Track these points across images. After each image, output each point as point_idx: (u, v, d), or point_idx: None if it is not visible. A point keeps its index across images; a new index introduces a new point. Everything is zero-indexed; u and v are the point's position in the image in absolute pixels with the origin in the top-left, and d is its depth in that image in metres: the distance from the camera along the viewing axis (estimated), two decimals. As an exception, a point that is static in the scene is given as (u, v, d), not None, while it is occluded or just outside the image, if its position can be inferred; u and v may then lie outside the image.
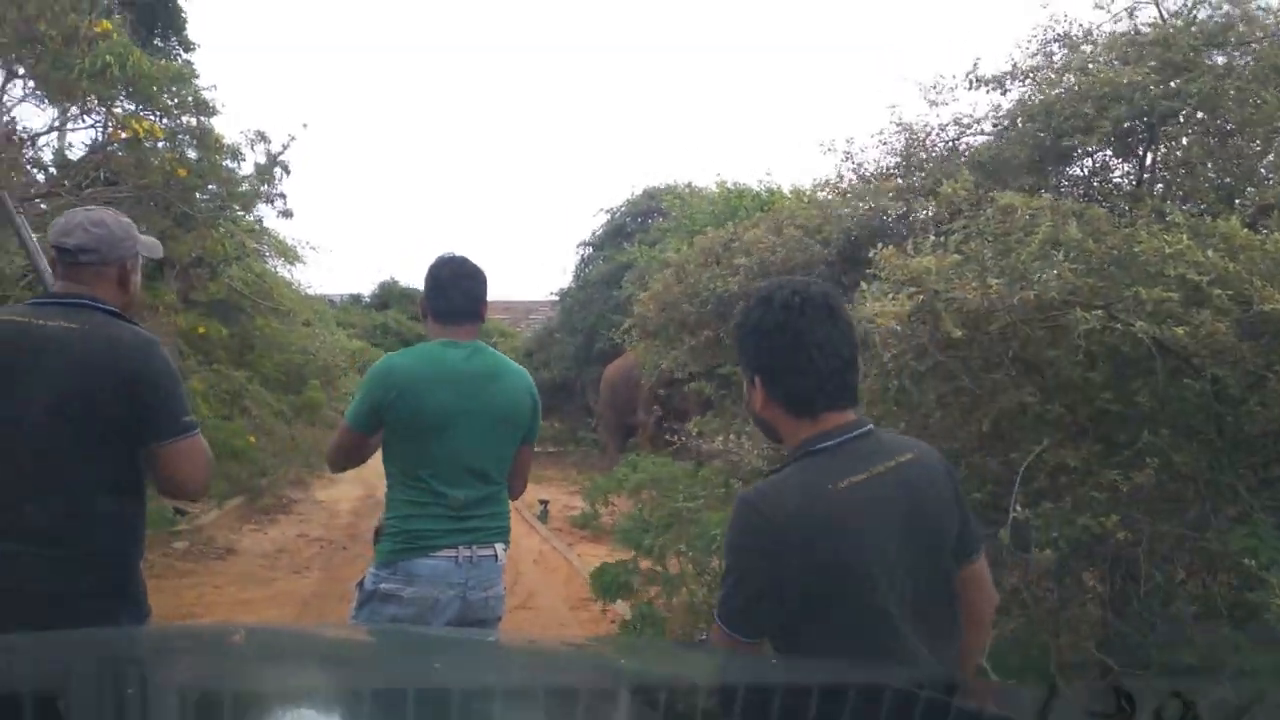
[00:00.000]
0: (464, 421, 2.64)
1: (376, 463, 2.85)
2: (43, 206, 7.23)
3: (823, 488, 1.60)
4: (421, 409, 2.62)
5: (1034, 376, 2.98)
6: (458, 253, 2.85)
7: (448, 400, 2.63)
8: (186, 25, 10.70)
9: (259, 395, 9.74)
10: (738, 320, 1.78)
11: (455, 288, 2.77)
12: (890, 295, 2.91)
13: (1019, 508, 2.74)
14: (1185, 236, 2.71)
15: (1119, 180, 5.16)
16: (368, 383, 2.75)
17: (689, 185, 16.68)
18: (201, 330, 7.71)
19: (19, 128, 7.25)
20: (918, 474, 1.68)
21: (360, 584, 2.77)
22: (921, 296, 2.73)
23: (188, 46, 10.38)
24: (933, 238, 3.23)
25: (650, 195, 18.47)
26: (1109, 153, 5.07)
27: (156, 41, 9.44)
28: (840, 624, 1.61)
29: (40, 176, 7.78)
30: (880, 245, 4.47)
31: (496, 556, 2.74)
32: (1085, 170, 5.22)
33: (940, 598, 1.70)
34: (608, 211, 19.32)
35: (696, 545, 4.79)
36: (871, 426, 1.72)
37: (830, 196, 6.02)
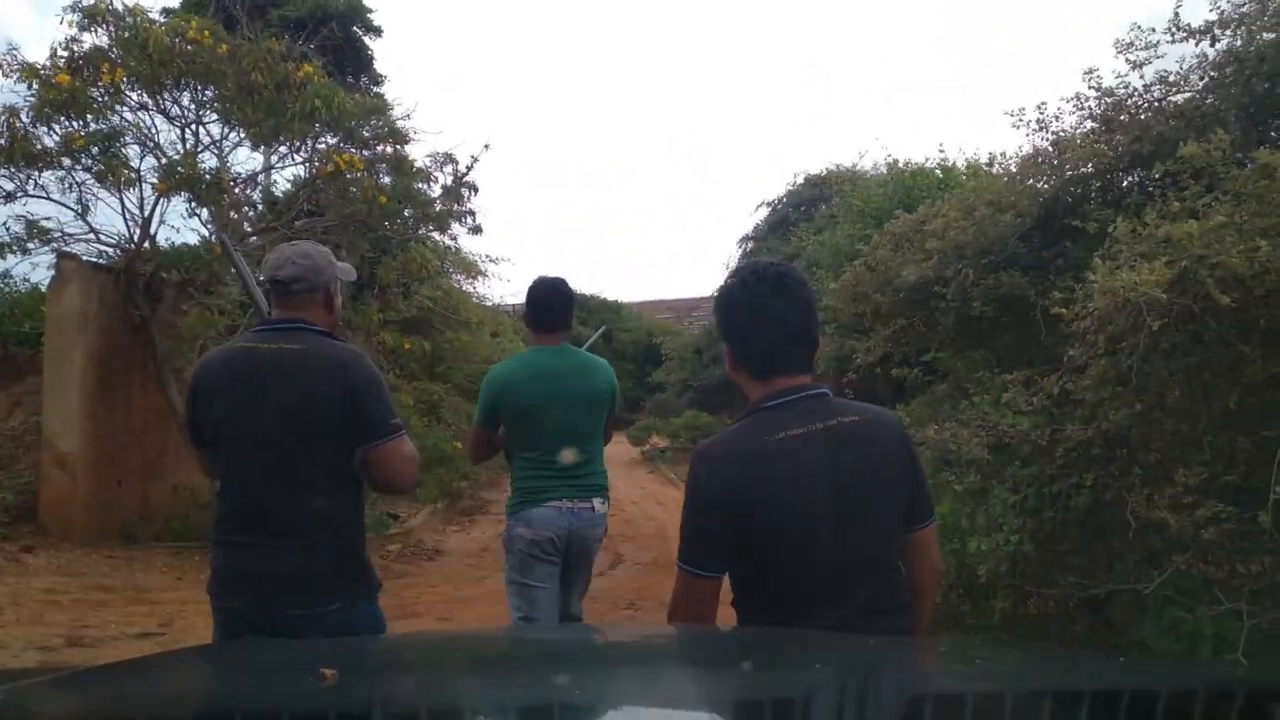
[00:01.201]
0: (555, 406, 3.39)
1: None
2: (253, 240, 7.91)
3: (760, 438, 1.80)
4: (520, 401, 3.41)
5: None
6: (553, 274, 3.58)
7: (540, 391, 3.39)
8: (374, 62, 11.46)
9: (455, 404, 10.26)
10: (716, 294, 1.96)
11: (546, 305, 3.51)
12: (1136, 264, 2.76)
13: (1279, 488, 2.57)
14: None
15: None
16: (483, 390, 3.54)
17: (853, 168, 16.28)
18: (407, 346, 8.21)
19: (235, 171, 7.95)
20: (859, 433, 1.82)
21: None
22: (1184, 263, 2.58)
23: (376, 81, 11.11)
24: (1176, 204, 3.02)
25: (812, 183, 18.20)
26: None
27: (349, 79, 10.15)
28: (783, 564, 1.80)
29: (251, 213, 8.50)
30: (1085, 218, 4.28)
31: (594, 508, 3.49)
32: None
33: (879, 554, 1.84)
34: (768, 204, 19.19)
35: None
36: (825, 391, 1.89)
37: (1017, 168, 5.74)
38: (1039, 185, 5.03)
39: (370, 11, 11.70)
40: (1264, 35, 4.58)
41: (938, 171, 11.31)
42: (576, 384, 3.45)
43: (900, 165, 12.56)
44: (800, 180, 18.65)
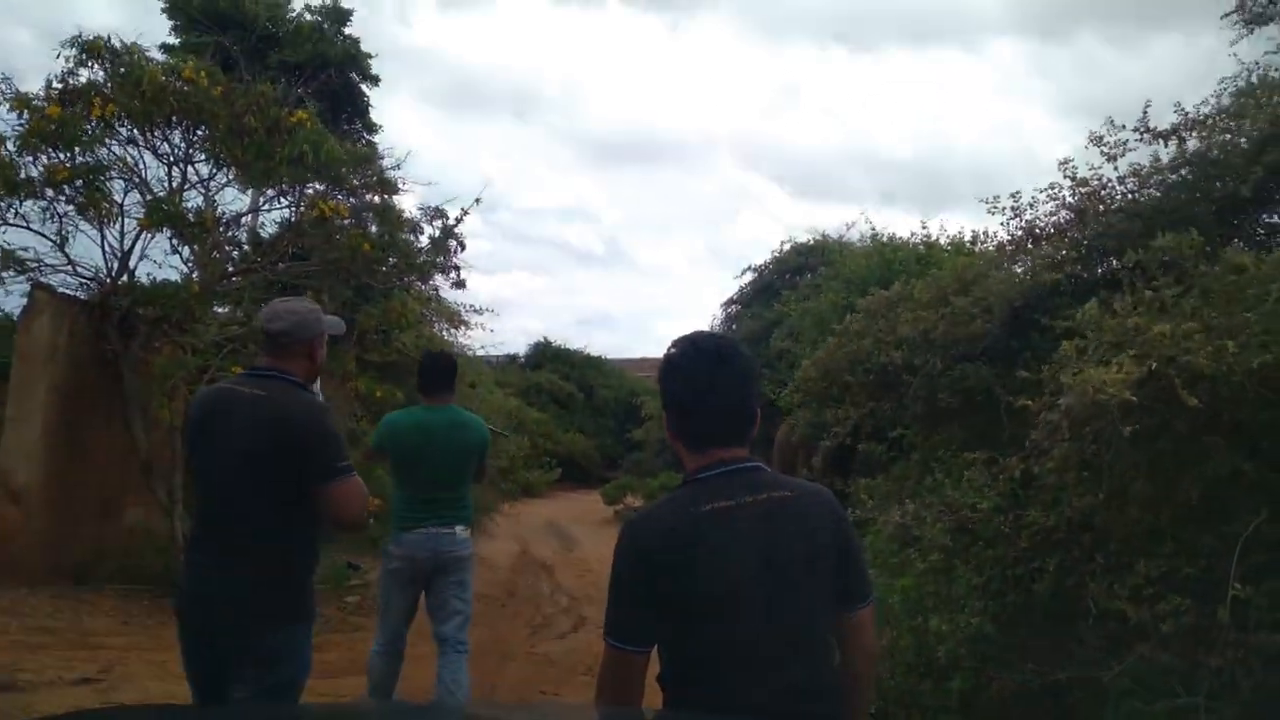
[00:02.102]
0: (429, 454, 4.21)
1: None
2: (237, 281, 7.89)
3: (687, 510, 1.80)
4: (401, 444, 4.27)
5: (1247, 440, 2.79)
6: (440, 349, 4.79)
7: (419, 440, 4.24)
8: (370, 109, 11.57)
9: (490, 474, 10.12)
10: (660, 363, 1.98)
11: (431, 373, 4.38)
12: (1104, 359, 2.77)
13: (1238, 585, 2.55)
14: None
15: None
16: (377, 430, 4.50)
17: (841, 238, 16.47)
18: (379, 394, 8.16)
19: (221, 211, 7.96)
20: (790, 508, 1.81)
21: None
22: (1153, 364, 2.59)
23: (371, 129, 11.21)
24: (1148, 293, 3.05)
25: (799, 251, 18.36)
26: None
27: (345, 125, 10.24)
28: (707, 639, 1.77)
29: (235, 254, 8.48)
30: (1053, 315, 4.30)
31: (455, 533, 4.26)
32: (1280, 217, 4.86)
33: (810, 632, 1.81)
34: (754, 270, 19.32)
35: (868, 614, 4.68)
36: (760, 465, 1.88)
37: (996, 253, 5.81)
38: (1008, 284, 5.05)
39: (370, 57, 11.88)
40: (1221, 137, 4.71)
41: (920, 247, 11.47)
42: (450, 437, 4.27)
43: (884, 240, 12.74)
44: (787, 248, 18.83)
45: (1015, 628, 3.72)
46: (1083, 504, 3.15)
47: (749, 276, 19.37)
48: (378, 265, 7.54)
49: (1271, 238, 4.87)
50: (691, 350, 1.90)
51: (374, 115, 11.97)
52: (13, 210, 6.93)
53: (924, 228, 15.63)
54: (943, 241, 11.31)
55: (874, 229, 12.57)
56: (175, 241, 7.48)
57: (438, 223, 7.64)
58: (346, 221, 7.33)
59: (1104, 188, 5.24)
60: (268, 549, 2.67)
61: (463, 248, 7.82)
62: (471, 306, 12.62)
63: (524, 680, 6.24)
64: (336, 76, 10.57)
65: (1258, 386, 2.59)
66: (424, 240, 7.85)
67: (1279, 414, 2.68)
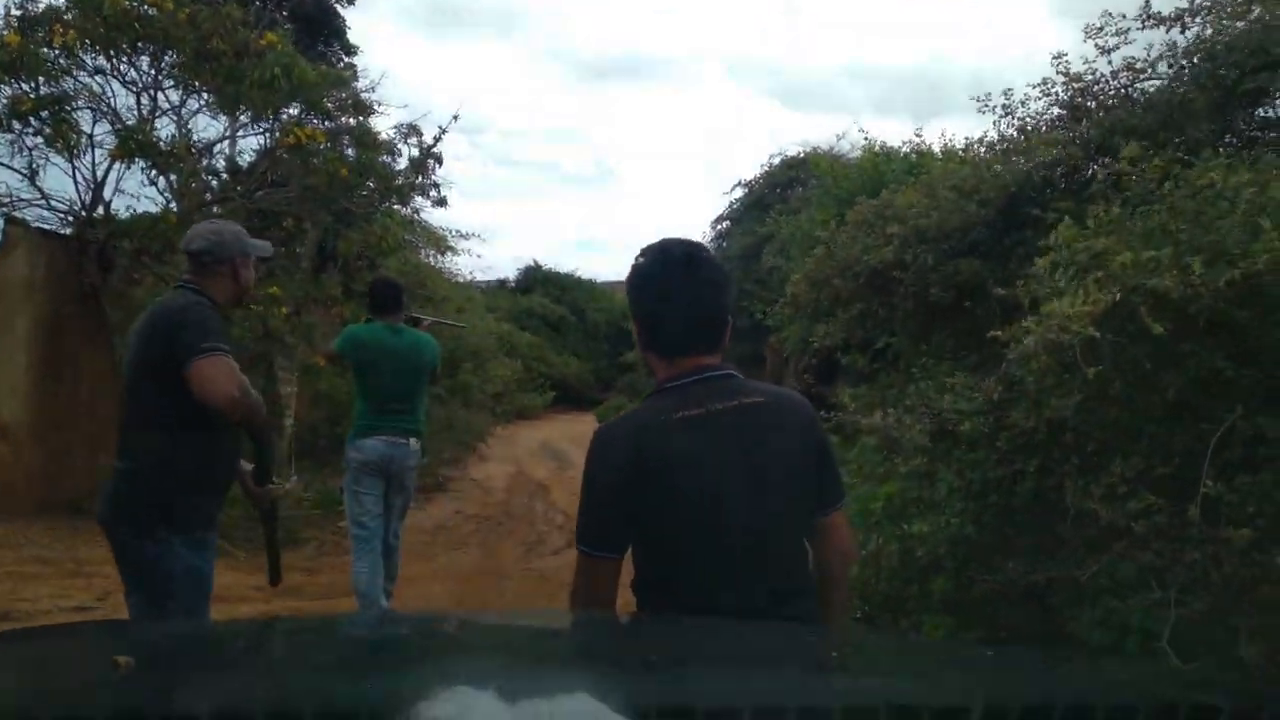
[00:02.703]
0: (388, 367, 4.70)
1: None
2: (216, 210, 7.76)
3: (658, 419, 1.79)
4: (363, 356, 4.76)
5: (1224, 340, 2.77)
6: (386, 277, 5.59)
7: (378, 354, 4.72)
8: (347, 31, 11.23)
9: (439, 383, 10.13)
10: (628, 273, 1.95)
11: (382, 296, 4.91)
12: (1077, 281, 2.72)
13: (1210, 482, 2.56)
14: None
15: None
16: (342, 336, 5.01)
17: (831, 150, 16.23)
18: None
19: (195, 139, 7.78)
20: (762, 414, 1.80)
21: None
22: (1118, 294, 2.55)
23: (349, 50, 10.91)
24: (1116, 209, 2.98)
25: (789, 165, 18.15)
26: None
27: (320, 47, 9.94)
28: (679, 545, 1.78)
29: (214, 183, 8.34)
30: (1046, 207, 4.24)
31: (409, 444, 4.79)
32: (1278, 113, 4.74)
33: (783, 536, 1.81)
34: (744, 185, 19.11)
35: (854, 522, 4.73)
36: (731, 372, 1.87)
37: (986, 154, 5.70)
38: (1004, 174, 4.99)
39: (345, -22, 11.47)
40: (1235, 24, 4.55)
41: (912, 156, 11.29)
42: (406, 354, 4.79)
43: (875, 149, 12.53)
44: (777, 162, 18.59)
45: (997, 529, 3.76)
46: (1062, 405, 3.15)
47: (739, 193, 19.18)
48: (356, 190, 7.41)
49: (1266, 132, 4.76)
50: (660, 257, 1.87)
51: (351, 37, 11.67)
52: (-22, 144, 6.79)
53: (918, 135, 15.37)
54: (936, 150, 11.14)
55: (866, 138, 12.33)
56: (151, 172, 7.33)
57: (413, 140, 7.47)
58: (323, 146, 7.17)
59: (1098, 83, 5.11)
60: (136, 447, 2.74)
61: (440, 164, 7.67)
62: (458, 231, 12.53)
63: (520, 596, 6.36)
64: (310, -1, 10.25)
65: (1225, 305, 2.55)
66: (402, 162, 7.70)
67: (1255, 316, 2.66)
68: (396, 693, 1.04)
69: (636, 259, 1.90)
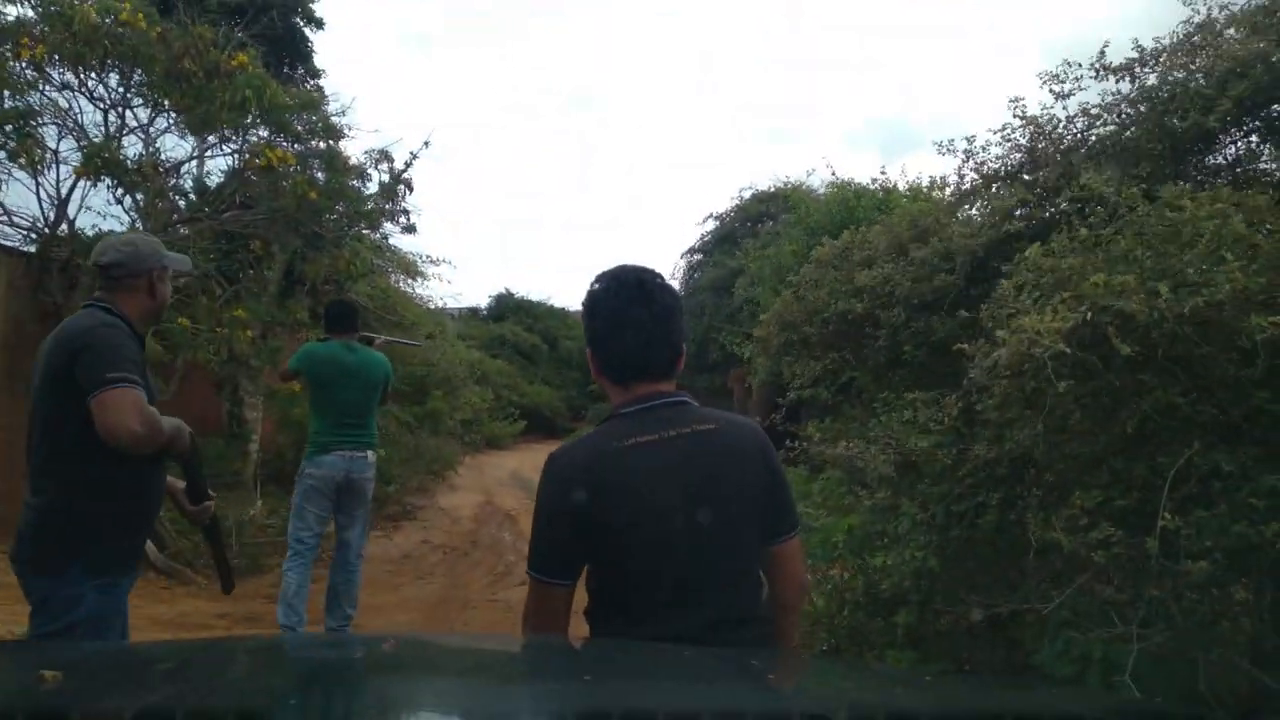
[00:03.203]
0: (343, 384, 4.91)
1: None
2: (183, 231, 7.68)
3: (609, 445, 1.80)
4: (319, 373, 4.96)
5: (1182, 374, 2.80)
6: (342, 296, 5.60)
7: (333, 372, 4.92)
8: (314, 55, 11.23)
9: (385, 407, 10.05)
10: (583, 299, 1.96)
11: (338, 315, 5.14)
12: (1043, 302, 2.75)
13: (1168, 515, 2.58)
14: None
15: (1267, 165, 4.80)
16: (298, 353, 5.17)
17: (801, 185, 16.40)
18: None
19: (163, 158, 7.71)
20: (714, 441, 1.80)
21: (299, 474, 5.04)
22: (1088, 313, 2.57)
23: (314, 74, 10.90)
24: (1084, 230, 3.02)
25: (759, 199, 18.32)
26: (1254, 138, 4.74)
27: (286, 70, 9.93)
28: (628, 572, 1.78)
29: (181, 203, 8.25)
30: (1013, 257, 4.29)
31: (367, 457, 5.04)
32: (1228, 158, 4.88)
33: (733, 564, 1.80)
34: (716, 218, 19.25)
35: (816, 553, 4.72)
36: (685, 399, 1.88)
37: (949, 197, 5.80)
38: (972, 243, 5.02)
39: (312, 1, 11.49)
40: (1174, 74, 4.70)
41: (879, 192, 11.45)
42: (363, 372, 4.99)
43: (844, 184, 12.70)
44: (748, 195, 18.75)
45: (960, 562, 3.77)
46: (1023, 437, 3.17)
47: (711, 224, 19.31)
48: (325, 214, 7.37)
49: (1216, 176, 4.89)
50: (613, 284, 1.89)
51: (317, 61, 11.67)
52: (-59, 158, 6.68)
53: (883, 173, 15.61)
54: (901, 187, 11.30)
55: (834, 174, 12.51)
56: (117, 190, 7.24)
57: (384, 166, 7.46)
58: (292, 169, 7.13)
59: (1055, 128, 5.24)
60: (44, 481, 2.54)
61: (410, 190, 7.65)
62: (428, 257, 12.49)
63: (484, 626, 6.27)
64: (279, 19, 10.23)
65: (1190, 331, 2.59)
66: (372, 186, 7.67)
67: (1213, 351, 2.70)
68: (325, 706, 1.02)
69: (591, 285, 1.92)
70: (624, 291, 1.85)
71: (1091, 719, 1.24)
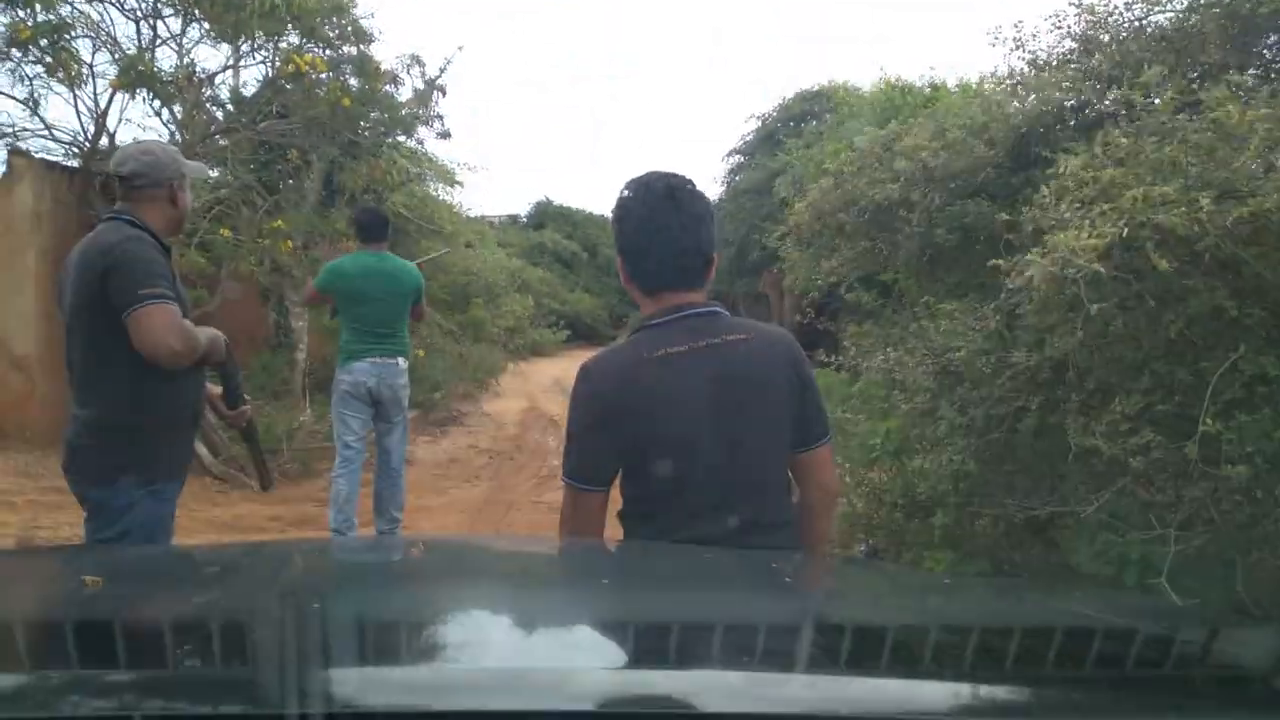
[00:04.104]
0: (371, 294, 4.84)
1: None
2: (222, 142, 7.69)
3: (639, 356, 1.81)
4: (347, 286, 4.91)
5: (1229, 278, 2.72)
6: (373, 204, 5.64)
7: (361, 282, 4.86)
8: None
9: (429, 316, 10.15)
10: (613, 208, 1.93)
11: (368, 224, 5.08)
12: (1081, 214, 2.66)
13: (1209, 420, 2.54)
14: None
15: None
16: (323, 271, 5.16)
17: (845, 84, 15.91)
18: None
19: (198, 69, 7.68)
20: (743, 351, 1.80)
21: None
22: (1125, 229, 2.48)
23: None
24: (1125, 140, 2.90)
25: (804, 98, 17.82)
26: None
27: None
28: (659, 479, 1.79)
29: (219, 114, 8.24)
30: (1057, 145, 4.14)
31: (398, 364, 4.98)
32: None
33: (762, 471, 1.83)
34: (759, 117, 18.78)
35: (855, 457, 4.74)
36: (716, 309, 1.87)
37: (998, 90, 5.58)
38: (1014, 114, 4.85)
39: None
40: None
41: (926, 90, 11.07)
42: (388, 280, 4.90)
43: (891, 82, 12.29)
44: (792, 95, 18.25)
45: (999, 465, 3.76)
46: (1064, 344, 3.12)
47: (753, 124, 18.87)
48: (359, 120, 7.31)
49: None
50: (642, 192, 1.85)
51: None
52: (-20, 74, 6.71)
53: (932, 69, 15.05)
54: (950, 84, 10.91)
55: (883, 72, 12.09)
56: (154, 103, 7.25)
57: (416, 70, 7.35)
58: (324, 76, 7.06)
59: (1111, 14, 4.98)
60: (89, 395, 2.59)
61: (444, 95, 7.55)
62: (466, 165, 12.39)
63: (527, 527, 6.44)
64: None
65: (1234, 244, 2.50)
66: (406, 93, 7.59)
67: (1264, 250, 2.60)
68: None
69: (620, 193, 1.89)
70: (653, 199, 1.82)
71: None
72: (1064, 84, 4.69)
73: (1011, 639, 1.04)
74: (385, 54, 10.71)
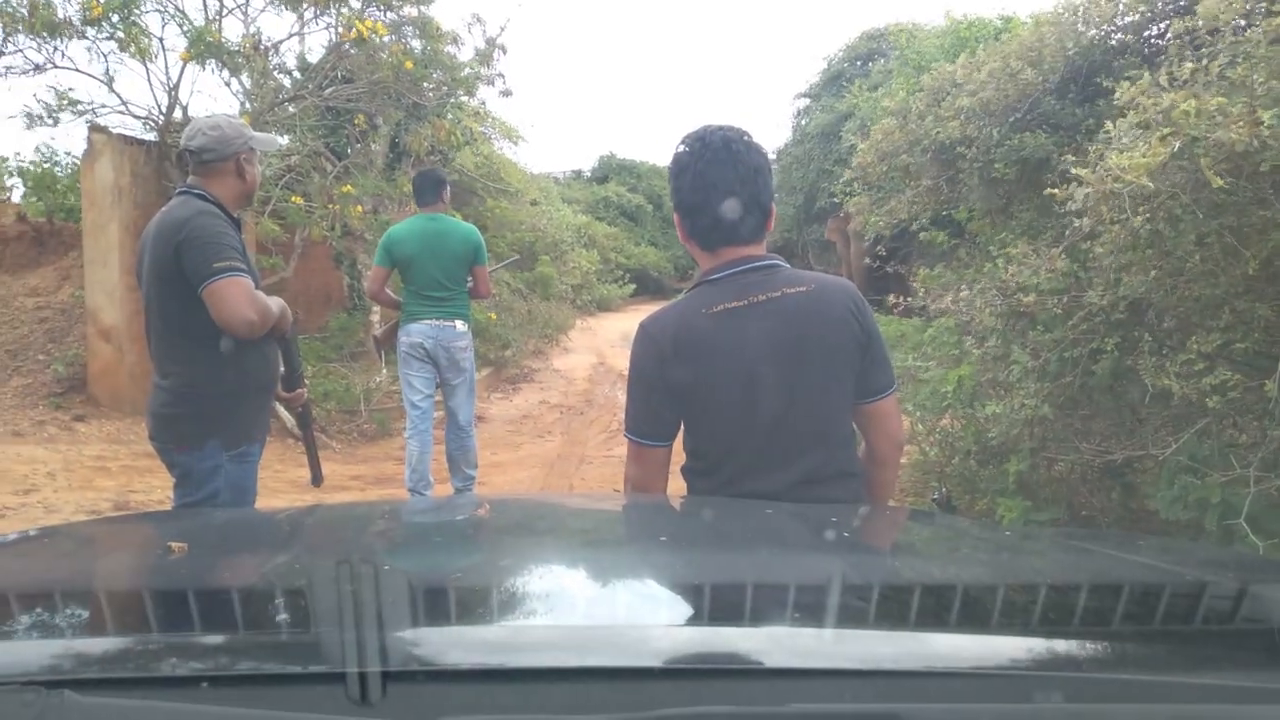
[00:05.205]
0: (425, 256, 4.90)
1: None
2: (290, 110, 7.83)
3: (696, 312, 1.81)
4: (402, 251, 4.94)
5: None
6: (428, 167, 5.56)
7: (416, 246, 4.91)
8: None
9: (497, 274, 10.28)
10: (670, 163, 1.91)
11: (422, 187, 5.10)
12: (1140, 138, 2.55)
13: (1292, 357, 2.44)
14: None
15: None
16: (381, 241, 5.10)
17: (912, 24, 15.41)
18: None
19: (263, 38, 7.80)
20: (804, 304, 1.79)
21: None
22: (1178, 143, 2.37)
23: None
24: (1189, 65, 2.76)
25: (870, 38, 17.34)
26: None
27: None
28: (717, 434, 1.83)
29: (286, 82, 8.38)
30: (1118, 77, 3.96)
31: (455, 326, 5.03)
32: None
33: (824, 424, 1.82)
34: (825, 59, 18.36)
35: (926, 405, 4.68)
36: (776, 261, 1.86)
37: (1065, 15, 5.36)
38: (1069, 42, 4.65)
39: None
40: None
41: (996, 22, 10.66)
42: (442, 243, 4.93)
43: (959, 18, 11.86)
44: (858, 35, 17.77)
45: (1074, 409, 3.68)
46: (1138, 282, 3.02)
47: (819, 66, 18.44)
48: (421, 82, 7.36)
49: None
50: (699, 145, 1.83)
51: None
52: (59, 53, 6.92)
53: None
54: (1023, 16, 10.48)
55: (950, 10, 11.67)
56: (223, 73, 7.40)
57: (478, 29, 7.34)
58: (386, 39, 7.11)
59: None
60: (171, 364, 2.70)
61: (505, 53, 7.54)
62: (530, 123, 12.40)
63: (599, 480, 6.53)
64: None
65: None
66: (467, 53, 7.59)
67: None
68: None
69: (676, 147, 1.87)
70: (709, 153, 1.80)
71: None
72: (1135, 6, 4.47)
73: (1079, 594, 1.03)
74: (446, 14, 10.72)
